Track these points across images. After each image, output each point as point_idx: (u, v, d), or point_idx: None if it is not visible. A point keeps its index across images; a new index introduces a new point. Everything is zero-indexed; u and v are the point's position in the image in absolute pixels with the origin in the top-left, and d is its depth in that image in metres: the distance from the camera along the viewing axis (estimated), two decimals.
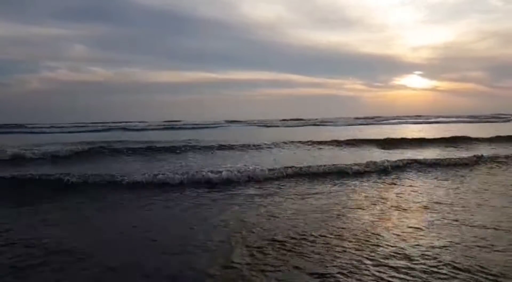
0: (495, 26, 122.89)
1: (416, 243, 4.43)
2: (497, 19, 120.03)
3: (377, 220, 5.53)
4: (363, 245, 4.42)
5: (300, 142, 17.80)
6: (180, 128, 43.58)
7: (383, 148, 16.20)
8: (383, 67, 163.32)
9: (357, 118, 73.65)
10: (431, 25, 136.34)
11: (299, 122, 59.21)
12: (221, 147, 16.41)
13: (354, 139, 18.33)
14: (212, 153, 15.04)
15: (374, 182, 8.79)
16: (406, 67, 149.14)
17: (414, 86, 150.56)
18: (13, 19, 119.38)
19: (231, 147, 16.43)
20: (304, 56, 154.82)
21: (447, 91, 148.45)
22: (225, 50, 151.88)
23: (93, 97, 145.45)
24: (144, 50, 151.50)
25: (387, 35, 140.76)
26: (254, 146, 16.63)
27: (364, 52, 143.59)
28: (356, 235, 4.81)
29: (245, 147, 16.33)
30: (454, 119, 56.68)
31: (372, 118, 72.70)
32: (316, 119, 69.61)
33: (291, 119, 70.12)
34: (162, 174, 9.07)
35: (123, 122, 64.55)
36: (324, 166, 10.05)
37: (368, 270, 3.69)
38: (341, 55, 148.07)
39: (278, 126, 47.21)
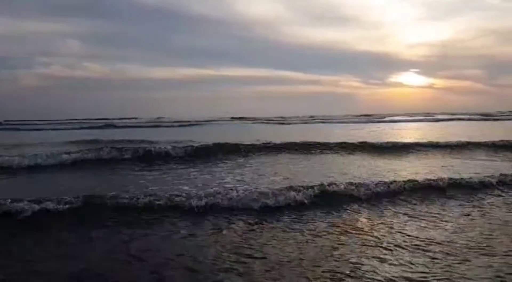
0: (492, 23, 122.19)
1: None
2: (494, 17, 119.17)
3: None
4: None
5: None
6: (190, 125, 41.48)
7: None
8: (379, 65, 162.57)
9: (364, 115, 71.41)
10: (427, 23, 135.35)
11: (310, 119, 56.82)
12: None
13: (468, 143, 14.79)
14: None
15: None
16: (402, 65, 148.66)
17: (411, 84, 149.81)
18: (6, 14, 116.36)
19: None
20: (300, 53, 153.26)
21: (444, 89, 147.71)
22: (221, 47, 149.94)
23: (88, 93, 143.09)
24: (140, 47, 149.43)
25: (384, 33, 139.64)
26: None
27: (361, 49, 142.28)
28: None
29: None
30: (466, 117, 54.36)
31: (370, 115, 70.75)
32: (313, 116, 67.62)
33: (291, 117, 67.75)
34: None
35: (114, 119, 62.02)
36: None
37: None
38: (337, 52, 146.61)
39: (307, 122, 44.35)
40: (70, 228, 5.15)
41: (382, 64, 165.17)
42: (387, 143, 14.67)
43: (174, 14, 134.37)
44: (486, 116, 53.23)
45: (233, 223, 5.31)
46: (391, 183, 7.29)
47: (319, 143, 14.64)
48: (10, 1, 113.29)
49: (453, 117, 51.83)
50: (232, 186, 7.54)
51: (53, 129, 34.09)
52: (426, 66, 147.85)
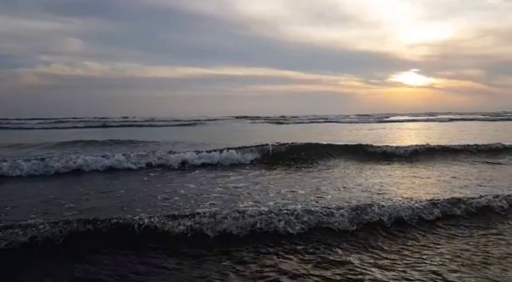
0: (492, 23, 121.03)
1: None
2: (494, 17, 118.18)
3: None
4: None
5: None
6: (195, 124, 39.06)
7: None
8: (379, 64, 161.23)
9: (367, 115, 69.42)
10: (427, 23, 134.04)
11: (318, 119, 54.31)
12: None
13: None
14: None
15: None
16: (402, 65, 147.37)
17: (411, 84, 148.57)
18: (7, 13, 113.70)
19: None
20: (300, 53, 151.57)
21: (444, 88, 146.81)
22: (221, 46, 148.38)
23: (87, 92, 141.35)
24: (140, 46, 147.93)
25: (384, 32, 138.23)
26: None
27: (361, 49, 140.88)
28: None
29: None
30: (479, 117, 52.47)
31: (369, 115, 68.74)
32: (315, 116, 65.45)
33: (300, 116, 65.39)
34: None
35: (110, 118, 59.58)
36: None
37: None
38: (337, 52, 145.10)
39: (332, 120, 42.34)
40: None
41: (382, 64, 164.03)
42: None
43: (175, 13, 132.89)
44: (496, 116, 51.50)
45: None
46: None
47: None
48: None
49: (465, 117, 49.97)
50: None
51: (44, 129, 32.29)
52: (426, 66, 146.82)
